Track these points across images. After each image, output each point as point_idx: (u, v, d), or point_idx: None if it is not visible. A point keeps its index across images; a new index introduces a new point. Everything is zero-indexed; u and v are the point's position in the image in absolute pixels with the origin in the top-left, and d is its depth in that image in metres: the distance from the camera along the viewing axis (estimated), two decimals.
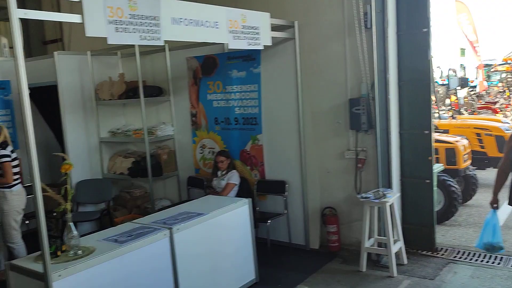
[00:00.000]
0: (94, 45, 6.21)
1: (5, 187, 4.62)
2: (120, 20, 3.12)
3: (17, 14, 2.59)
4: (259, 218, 4.85)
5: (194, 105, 5.81)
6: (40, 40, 7.85)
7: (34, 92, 6.34)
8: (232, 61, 5.35)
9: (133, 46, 5.60)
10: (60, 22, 7.37)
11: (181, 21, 3.54)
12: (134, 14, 3.21)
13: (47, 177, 6.58)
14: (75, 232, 3.16)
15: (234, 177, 5.21)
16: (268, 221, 4.83)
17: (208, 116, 5.70)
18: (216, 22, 3.84)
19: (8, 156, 4.64)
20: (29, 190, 5.92)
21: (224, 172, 5.27)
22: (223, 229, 4.01)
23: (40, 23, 7.74)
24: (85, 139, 6.10)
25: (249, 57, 5.20)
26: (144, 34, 3.29)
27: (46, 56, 6.37)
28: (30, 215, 6.08)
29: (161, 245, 3.47)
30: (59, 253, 3.07)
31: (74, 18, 2.90)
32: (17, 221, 4.78)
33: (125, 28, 3.16)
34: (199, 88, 5.72)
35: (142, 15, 3.26)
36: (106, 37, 3.01)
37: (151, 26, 3.33)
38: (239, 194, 5.21)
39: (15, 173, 4.69)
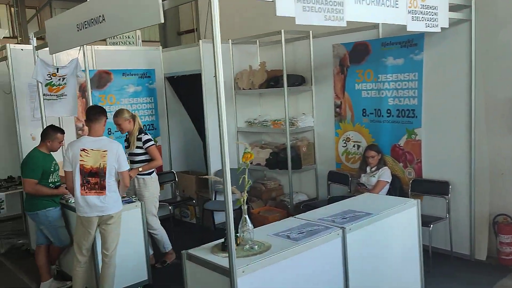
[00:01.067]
0: (229, 35, 6.15)
1: (145, 174, 4.67)
2: None
3: None
4: None
5: (339, 95, 5.46)
6: (175, 31, 8.05)
7: (173, 80, 6.53)
8: (388, 48, 4.88)
9: (274, 34, 5.43)
10: (197, 13, 7.48)
11: (363, 0, 3.21)
12: None
13: (184, 164, 6.74)
14: (250, 225, 3.00)
15: (385, 174, 4.79)
16: (430, 225, 4.33)
17: (354, 107, 5.31)
18: (396, 1, 3.44)
19: (151, 140, 4.69)
20: (167, 177, 6.15)
21: (374, 169, 4.86)
22: (391, 232, 3.62)
23: (177, 14, 7.93)
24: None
25: (410, 43, 4.69)
26: (329, 14, 3.00)
27: (188, 45, 6.49)
28: (171, 201, 6.26)
29: (334, 245, 3.17)
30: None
31: None
32: (156, 207, 4.83)
33: (312, 7, 2.90)
34: (345, 77, 5.35)
35: None
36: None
37: (335, 5, 3.03)
38: (390, 193, 4.78)
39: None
